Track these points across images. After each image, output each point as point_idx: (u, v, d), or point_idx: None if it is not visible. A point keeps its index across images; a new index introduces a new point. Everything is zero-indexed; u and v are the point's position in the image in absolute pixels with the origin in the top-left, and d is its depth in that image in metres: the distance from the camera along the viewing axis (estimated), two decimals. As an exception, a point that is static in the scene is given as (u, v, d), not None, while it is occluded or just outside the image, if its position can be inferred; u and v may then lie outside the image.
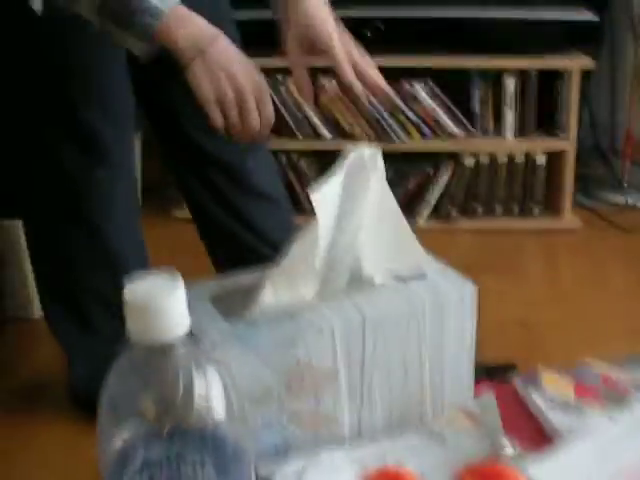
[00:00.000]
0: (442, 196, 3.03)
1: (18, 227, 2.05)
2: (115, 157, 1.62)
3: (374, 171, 0.86)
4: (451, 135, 2.97)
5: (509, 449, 0.81)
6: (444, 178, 3.01)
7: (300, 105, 2.92)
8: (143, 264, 1.74)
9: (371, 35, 2.79)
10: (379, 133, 2.94)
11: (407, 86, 2.93)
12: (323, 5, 1.22)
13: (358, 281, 0.88)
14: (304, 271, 0.83)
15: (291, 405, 0.81)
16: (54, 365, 1.95)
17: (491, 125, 3.00)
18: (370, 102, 2.83)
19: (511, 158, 2.98)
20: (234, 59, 1.22)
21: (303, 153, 3.02)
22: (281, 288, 0.82)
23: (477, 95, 2.98)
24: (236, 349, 0.77)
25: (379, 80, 1.22)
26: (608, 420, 0.87)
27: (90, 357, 1.74)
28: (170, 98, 1.66)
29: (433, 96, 2.95)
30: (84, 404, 1.73)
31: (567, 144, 2.94)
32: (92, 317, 1.72)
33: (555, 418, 0.88)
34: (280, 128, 2.93)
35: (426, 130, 2.97)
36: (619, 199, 3.15)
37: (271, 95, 1.28)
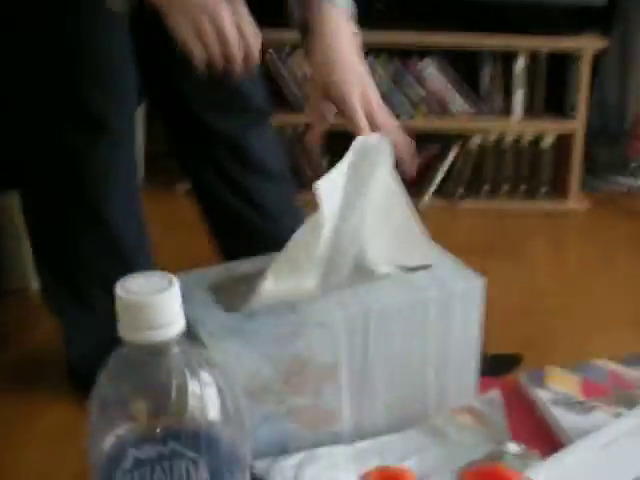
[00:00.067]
0: (448, 175, 3.00)
1: (17, 199, 2.03)
2: (118, 137, 1.61)
3: (381, 160, 0.84)
4: (459, 114, 2.94)
5: (513, 450, 0.79)
6: (450, 157, 2.98)
7: (306, 79, 2.89)
8: (143, 244, 1.73)
9: (381, 10, 2.75)
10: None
11: (416, 63, 2.89)
12: (348, 51, 1.08)
13: (362, 272, 0.86)
14: (306, 261, 0.81)
15: (290, 400, 0.79)
16: (54, 339, 1.94)
17: (500, 105, 2.97)
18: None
19: (519, 138, 2.95)
20: None
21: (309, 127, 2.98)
22: (282, 278, 0.80)
23: (486, 74, 2.94)
24: (234, 342, 0.75)
25: (397, 134, 1.03)
26: (615, 420, 0.85)
27: (88, 336, 1.73)
28: (175, 77, 1.64)
29: (442, 74, 2.91)
30: (81, 382, 1.72)
31: (576, 126, 2.91)
32: (90, 296, 1.70)
33: (561, 417, 0.86)
34: (287, 101, 2.90)
35: (434, 108, 2.93)
36: (627, 182, 3.11)
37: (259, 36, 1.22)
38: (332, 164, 0.83)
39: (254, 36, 1.23)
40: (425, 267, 0.87)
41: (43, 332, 2.04)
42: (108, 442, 0.56)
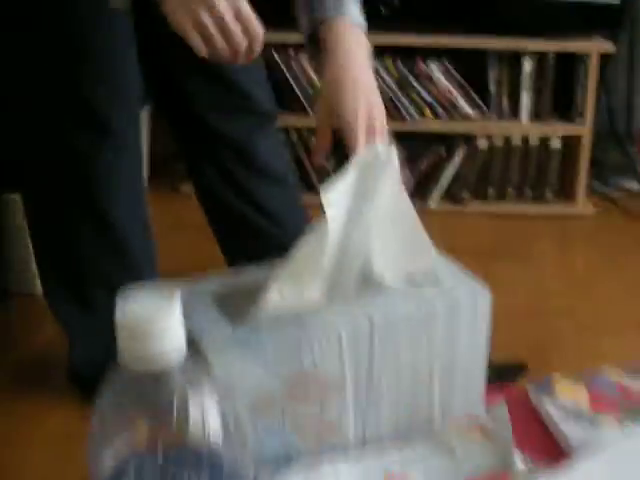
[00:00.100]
0: (454, 178, 2.99)
1: (20, 201, 2.02)
2: (122, 139, 1.60)
3: (387, 170, 0.83)
4: (465, 116, 2.92)
5: (520, 465, 0.78)
6: (457, 160, 2.96)
7: (312, 81, 2.88)
8: (148, 247, 1.72)
9: (386, 12, 2.74)
10: (391, 112, 2.89)
11: (422, 65, 2.88)
12: (359, 71, 1.07)
13: (368, 282, 0.85)
14: (311, 272, 0.80)
15: (294, 413, 0.77)
16: (56, 342, 1.93)
17: (506, 107, 2.95)
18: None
19: (526, 141, 2.94)
20: None
21: (314, 130, 2.98)
22: (287, 289, 0.78)
23: (493, 76, 2.93)
24: (238, 355, 0.74)
25: None
26: (623, 433, 0.84)
27: (91, 339, 1.72)
28: (181, 78, 1.63)
29: (448, 76, 2.90)
30: (84, 386, 1.72)
31: (583, 129, 2.89)
32: (93, 299, 1.70)
33: (568, 429, 0.85)
34: (291, 104, 2.89)
35: (440, 110, 2.92)
36: (634, 186, 3.10)
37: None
38: (338, 166, 0.82)
39: (255, 29, 1.20)
40: (432, 279, 0.86)
41: (48, 336, 2.04)
42: (109, 460, 0.55)
